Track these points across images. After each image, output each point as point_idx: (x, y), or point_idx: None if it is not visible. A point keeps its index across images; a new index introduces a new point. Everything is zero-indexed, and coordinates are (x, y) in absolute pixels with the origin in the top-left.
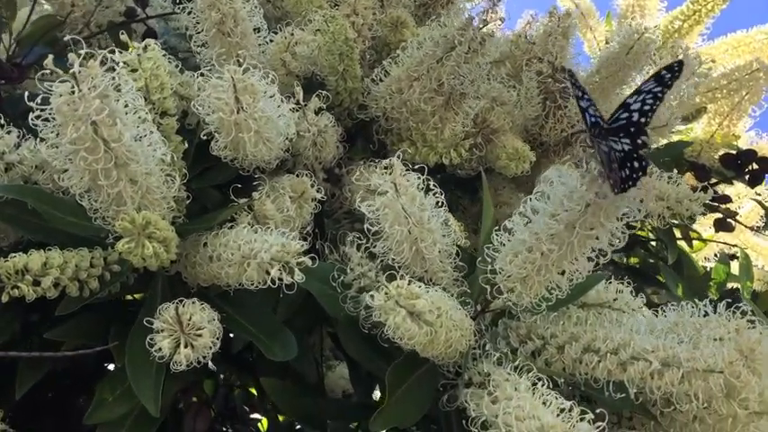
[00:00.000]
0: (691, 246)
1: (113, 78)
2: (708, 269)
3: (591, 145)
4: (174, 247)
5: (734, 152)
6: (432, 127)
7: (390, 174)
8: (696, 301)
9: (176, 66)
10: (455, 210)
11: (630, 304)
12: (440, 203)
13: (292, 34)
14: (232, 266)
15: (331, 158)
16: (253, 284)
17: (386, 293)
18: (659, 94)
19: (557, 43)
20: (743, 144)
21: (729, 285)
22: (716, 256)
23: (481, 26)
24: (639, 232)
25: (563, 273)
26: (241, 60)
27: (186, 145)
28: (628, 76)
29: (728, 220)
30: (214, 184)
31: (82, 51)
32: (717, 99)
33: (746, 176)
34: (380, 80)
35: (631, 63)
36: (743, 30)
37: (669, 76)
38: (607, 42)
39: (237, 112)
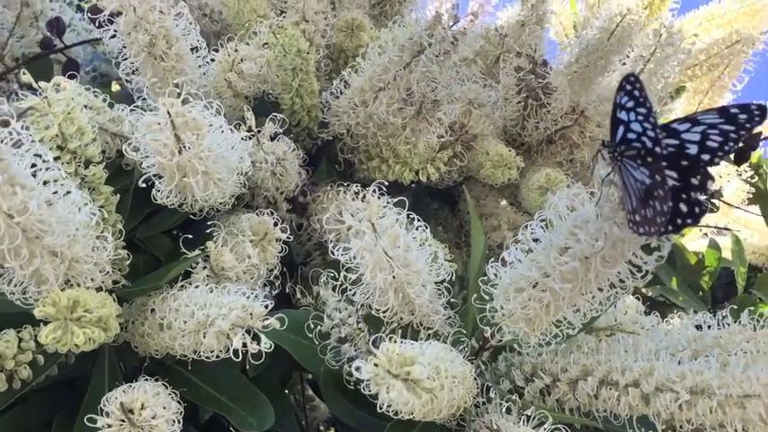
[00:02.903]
0: (681, 233)
1: (10, 134)
2: (700, 257)
3: (615, 166)
4: (114, 324)
5: None
6: (404, 141)
7: (366, 211)
8: (712, 311)
9: (104, 99)
10: (433, 223)
11: (642, 323)
12: (425, 240)
13: (236, 50)
14: (186, 336)
15: (294, 186)
16: (213, 355)
17: (375, 364)
18: (732, 134)
19: (532, 34)
20: None
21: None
22: (706, 235)
23: (451, 23)
24: None
25: (577, 310)
26: (179, 89)
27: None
28: (609, 62)
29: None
30: (163, 230)
31: None
32: (696, 76)
33: (732, 154)
34: (341, 93)
35: (614, 48)
36: (715, 1)
37: (746, 117)
38: (575, 27)
39: (179, 154)
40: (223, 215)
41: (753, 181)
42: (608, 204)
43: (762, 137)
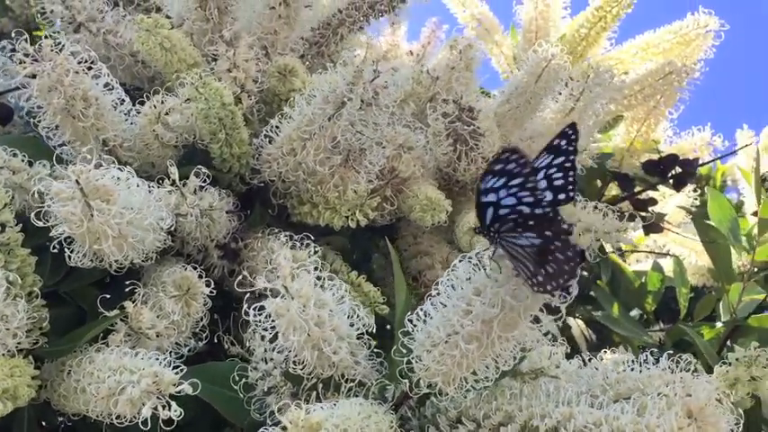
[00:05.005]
0: (624, 259)
1: None
2: (643, 280)
3: (495, 245)
4: (25, 391)
5: (656, 158)
6: (332, 188)
7: (278, 274)
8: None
9: (23, 159)
10: (371, 257)
11: (564, 368)
12: (342, 296)
13: (162, 102)
14: (99, 402)
15: (225, 233)
16: (126, 421)
17: (282, 428)
18: (566, 164)
19: (460, 78)
20: (661, 143)
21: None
22: (647, 257)
23: (374, 77)
24: None
25: (487, 366)
26: (89, 155)
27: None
28: (539, 103)
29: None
30: (88, 283)
31: None
32: (632, 106)
33: (671, 181)
34: (271, 140)
35: (541, 91)
36: (650, 31)
37: (565, 141)
38: (515, 58)
39: (89, 220)
40: (150, 266)
41: (695, 201)
42: (503, 271)
43: (699, 162)
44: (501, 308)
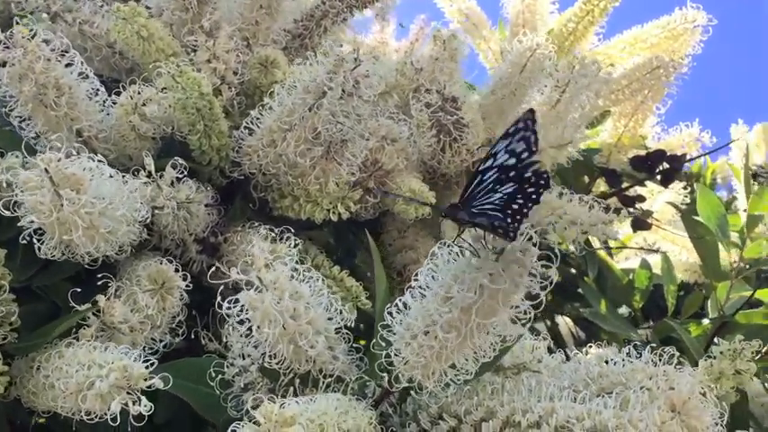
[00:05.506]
0: (611, 254)
1: None
2: (631, 277)
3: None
4: None
5: (643, 153)
6: (313, 181)
7: (252, 265)
8: (618, 348)
9: None
10: (357, 252)
11: (547, 362)
12: (320, 289)
13: (139, 93)
14: (67, 398)
15: (204, 227)
16: (97, 417)
17: (255, 423)
18: (527, 134)
19: (444, 69)
20: (649, 140)
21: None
22: (636, 254)
23: (355, 65)
24: (559, 245)
25: (467, 358)
26: (59, 144)
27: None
28: (524, 94)
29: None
30: (63, 278)
31: None
32: (620, 101)
33: (658, 176)
34: (251, 132)
35: (526, 82)
36: (638, 26)
37: (522, 126)
38: (502, 53)
39: (59, 210)
40: (127, 260)
41: (686, 199)
42: (482, 255)
43: (686, 157)
44: (479, 293)
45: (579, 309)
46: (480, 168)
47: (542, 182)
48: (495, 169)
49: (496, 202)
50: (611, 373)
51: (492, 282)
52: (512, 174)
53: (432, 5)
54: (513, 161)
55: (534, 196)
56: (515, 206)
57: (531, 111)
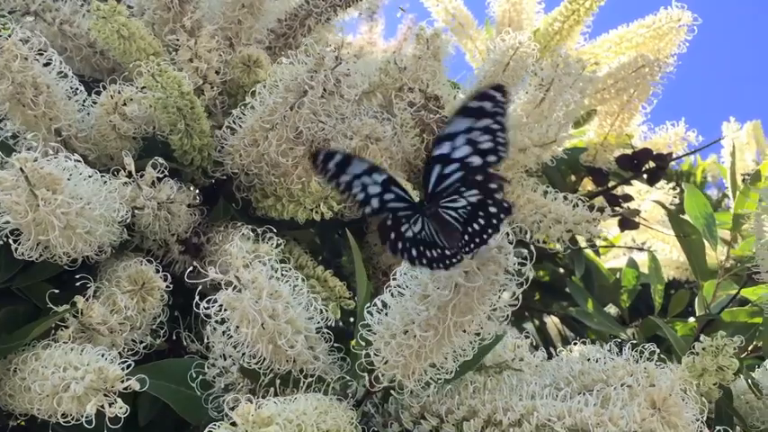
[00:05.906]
0: (598, 253)
1: None
2: (618, 276)
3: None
4: None
5: (629, 152)
6: (296, 181)
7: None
8: (601, 343)
9: None
10: (343, 252)
11: (529, 360)
12: (300, 288)
13: (119, 92)
14: (44, 400)
15: (186, 227)
16: (73, 420)
17: (232, 424)
18: (494, 126)
19: (428, 68)
20: (636, 139)
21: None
22: (624, 254)
23: (335, 64)
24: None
25: (445, 357)
26: (36, 143)
27: None
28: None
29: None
30: (44, 279)
31: None
32: (606, 100)
33: (645, 175)
34: (233, 132)
35: (510, 80)
36: (623, 25)
37: (490, 105)
38: (488, 52)
39: (34, 211)
40: (108, 261)
41: (675, 199)
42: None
43: (672, 156)
44: (455, 291)
45: (567, 308)
46: (436, 154)
47: (505, 208)
48: (458, 164)
49: (460, 211)
50: (593, 371)
51: (467, 279)
52: (478, 177)
53: (418, 5)
54: (478, 161)
55: (495, 221)
56: (476, 226)
57: (500, 86)
